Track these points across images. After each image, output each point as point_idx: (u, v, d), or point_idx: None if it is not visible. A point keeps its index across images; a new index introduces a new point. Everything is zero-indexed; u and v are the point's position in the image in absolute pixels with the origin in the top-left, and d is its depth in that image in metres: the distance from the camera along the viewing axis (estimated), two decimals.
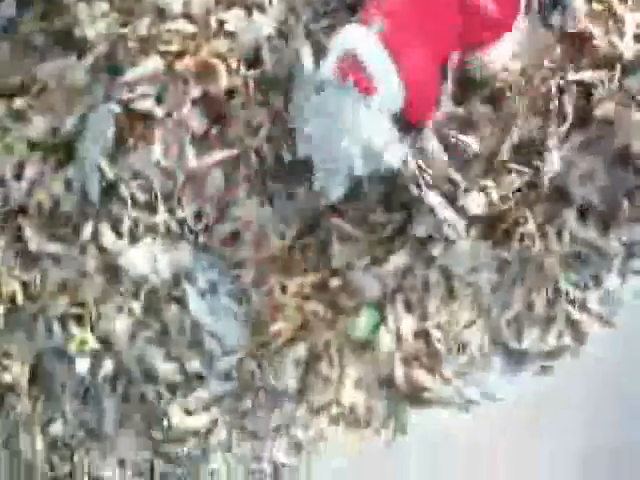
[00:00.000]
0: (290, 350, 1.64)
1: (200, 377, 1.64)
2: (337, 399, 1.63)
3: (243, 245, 1.66)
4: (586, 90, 1.69)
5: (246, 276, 1.65)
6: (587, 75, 1.69)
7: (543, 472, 1.62)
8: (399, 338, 1.67)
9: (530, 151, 1.66)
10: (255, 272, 1.64)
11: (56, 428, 1.64)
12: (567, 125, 1.66)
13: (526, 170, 1.63)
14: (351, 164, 1.55)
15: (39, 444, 1.62)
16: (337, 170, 1.57)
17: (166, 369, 1.63)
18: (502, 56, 1.68)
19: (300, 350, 1.64)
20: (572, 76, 1.67)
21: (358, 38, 1.54)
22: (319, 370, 1.63)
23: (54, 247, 1.67)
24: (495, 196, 1.62)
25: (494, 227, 1.65)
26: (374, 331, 1.67)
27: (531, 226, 1.63)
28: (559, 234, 1.65)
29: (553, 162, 1.64)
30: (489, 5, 1.58)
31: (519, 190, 1.64)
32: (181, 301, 1.65)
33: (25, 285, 1.66)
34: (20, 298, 1.65)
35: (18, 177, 1.66)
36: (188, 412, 1.62)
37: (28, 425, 1.63)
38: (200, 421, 1.62)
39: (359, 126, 1.53)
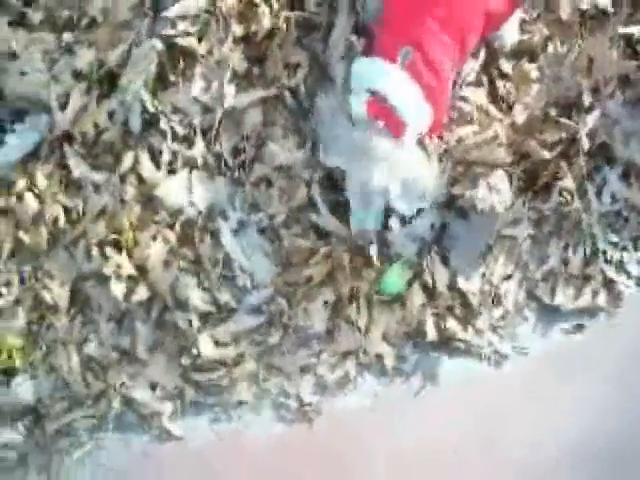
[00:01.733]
0: (319, 292, 1.68)
1: (230, 309, 1.69)
2: (364, 347, 1.68)
3: (275, 188, 1.70)
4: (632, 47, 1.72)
5: (278, 217, 1.69)
6: (637, 29, 1.72)
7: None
8: (433, 292, 1.70)
9: (573, 107, 1.70)
10: (286, 214, 1.69)
11: (91, 348, 1.67)
12: (613, 83, 1.69)
13: (568, 123, 1.66)
14: (389, 202, 1.58)
15: (75, 362, 1.66)
16: (374, 207, 1.60)
17: (198, 298, 1.67)
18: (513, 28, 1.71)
19: (329, 293, 1.68)
20: (621, 29, 1.71)
21: (387, 78, 1.53)
22: (347, 315, 1.68)
23: (96, 175, 1.69)
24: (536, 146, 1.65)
25: (534, 179, 1.69)
26: (405, 288, 1.69)
27: (569, 181, 1.66)
28: (599, 192, 1.68)
29: (591, 118, 1.69)
30: (503, 6, 1.61)
31: (560, 143, 1.66)
32: (214, 235, 1.68)
33: (67, 210, 1.68)
34: (62, 222, 1.67)
35: (64, 106, 1.66)
36: (217, 342, 1.67)
37: (65, 343, 1.67)
38: (228, 352, 1.66)
39: (395, 163, 1.55)
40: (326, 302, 1.67)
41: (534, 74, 1.71)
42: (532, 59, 1.75)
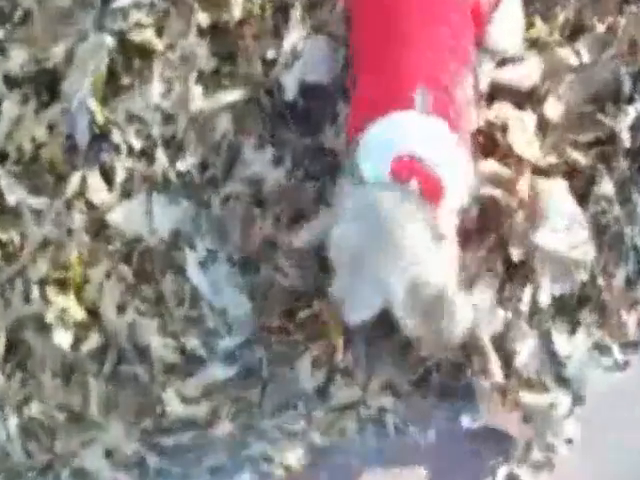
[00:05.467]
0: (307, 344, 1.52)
1: (200, 358, 1.54)
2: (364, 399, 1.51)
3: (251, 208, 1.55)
4: None
5: (252, 245, 1.54)
6: None
7: None
8: None
9: (609, 100, 1.56)
10: (262, 242, 1.54)
11: (33, 409, 1.52)
12: None
13: (604, 120, 1.53)
14: (387, 296, 1.25)
15: (13, 427, 1.51)
16: (365, 295, 1.28)
17: (161, 346, 1.52)
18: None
19: (319, 346, 1.51)
20: None
21: (410, 130, 1.28)
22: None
23: (35, 200, 1.57)
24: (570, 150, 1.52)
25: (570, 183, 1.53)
26: None
27: (608, 186, 1.51)
28: None
29: (633, 109, 1.54)
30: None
31: (596, 144, 1.53)
32: (179, 267, 1.55)
33: (2, 244, 1.57)
34: None
35: None
36: (185, 399, 1.51)
37: (2, 404, 1.53)
38: (199, 410, 1.51)
39: (412, 248, 1.23)
40: (316, 358, 1.50)
41: (572, 60, 1.55)
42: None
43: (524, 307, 1.46)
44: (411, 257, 1.22)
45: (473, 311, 1.29)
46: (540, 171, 1.52)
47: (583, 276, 1.46)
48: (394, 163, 1.26)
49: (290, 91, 1.55)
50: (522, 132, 1.51)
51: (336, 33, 1.55)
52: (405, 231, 1.23)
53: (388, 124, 1.28)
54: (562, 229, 1.45)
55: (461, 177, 1.30)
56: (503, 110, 1.52)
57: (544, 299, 1.45)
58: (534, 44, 1.55)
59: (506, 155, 1.50)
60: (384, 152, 1.27)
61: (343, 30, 1.52)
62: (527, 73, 1.53)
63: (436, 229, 1.23)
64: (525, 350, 1.47)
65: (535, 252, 1.45)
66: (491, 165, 1.47)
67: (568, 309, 1.49)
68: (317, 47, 1.55)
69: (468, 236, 1.41)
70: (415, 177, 1.25)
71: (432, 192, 1.26)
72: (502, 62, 1.53)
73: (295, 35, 1.54)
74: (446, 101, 1.30)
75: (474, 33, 1.38)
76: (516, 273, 1.47)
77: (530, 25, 1.56)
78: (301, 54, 1.55)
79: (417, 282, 1.20)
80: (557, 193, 1.47)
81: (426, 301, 1.21)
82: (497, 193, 1.46)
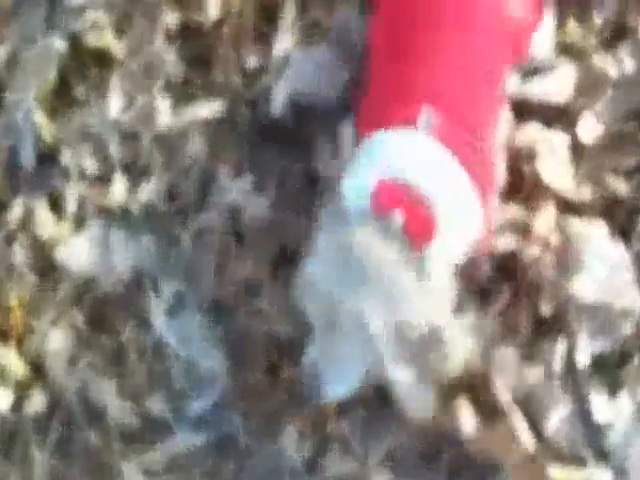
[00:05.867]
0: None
1: (165, 424, 1.43)
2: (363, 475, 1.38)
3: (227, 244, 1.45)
4: None
5: (228, 288, 1.43)
6: None
7: None
8: None
9: None
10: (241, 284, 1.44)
11: None
12: None
13: None
14: (365, 366, 1.14)
15: None
16: (343, 365, 1.16)
17: (118, 409, 1.41)
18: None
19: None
20: None
21: (399, 150, 1.16)
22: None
23: None
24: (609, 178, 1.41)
25: (606, 219, 1.41)
26: None
27: None
28: None
29: None
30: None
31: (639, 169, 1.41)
32: (141, 315, 1.45)
33: None
34: None
35: None
36: (148, 472, 1.40)
37: None
38: None
39: (392, 292, 1.09)
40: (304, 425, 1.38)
41: (611, 70, 1.43)
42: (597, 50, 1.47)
43: (557, 366, 1.32)
44: (392, 302, 1.10)
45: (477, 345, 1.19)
46: (573, 206, 1.41)
47: (629, 329, 1.33)
48: (378, 189, 1.13)
49: (278, 106, 1.45)
50: (552, 158, 1.40)
51: (340, 38, 1.45)
52: (382, 272, 1.09)
53: (376, 142, 1.17)
54: (602, 276, 1.33)
55: (463, 216, 1.17)
56: (529, 132, 1.41)
57: (582, 358, 1.31)
58: (566, 50, 1.46)
59: (533, 189, 1.39)
60: (367, 175, 1.15)
61: (348, 36, 1.43)
62: (558, 86, 1.42)
63: (421, 269, 1.10)
64: (557, 415, 1.33)
65: (569, 304, 1.32)
66: (512, 210, 1.36)
67: (608, 366, 1.36)
68: (313, 55, 1.45)
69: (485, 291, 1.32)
70: (400, 207, 1.11)
71: (421, 227, 1.12)
72: (527, 73, 1.42)
73: (287, 39, 1.46)
74: (458, 131, 1.17)
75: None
76: (548, 329, 1.34)
77: (562, 27, 1.46)
78: (292, 63, 1.46)
79: (403, 326, 1.09)
80: (596, 235, 1.35)
81: (415, 344, 1.10)
82: (516, 243, 1.35)
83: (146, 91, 1.48)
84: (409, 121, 1.15)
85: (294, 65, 1.44)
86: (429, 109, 1.15)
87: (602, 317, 1.30)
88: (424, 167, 1.14)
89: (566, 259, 1.32)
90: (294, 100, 1.43)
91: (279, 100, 1.41)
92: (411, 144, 1.15)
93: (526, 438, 1.29)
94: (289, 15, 1.46)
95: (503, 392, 1.28)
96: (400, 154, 1.15)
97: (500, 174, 1.28)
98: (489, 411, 1.31)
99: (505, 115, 1.32)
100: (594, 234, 1.33)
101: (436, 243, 1.12)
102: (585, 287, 1.31)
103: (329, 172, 1.37)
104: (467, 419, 1.31)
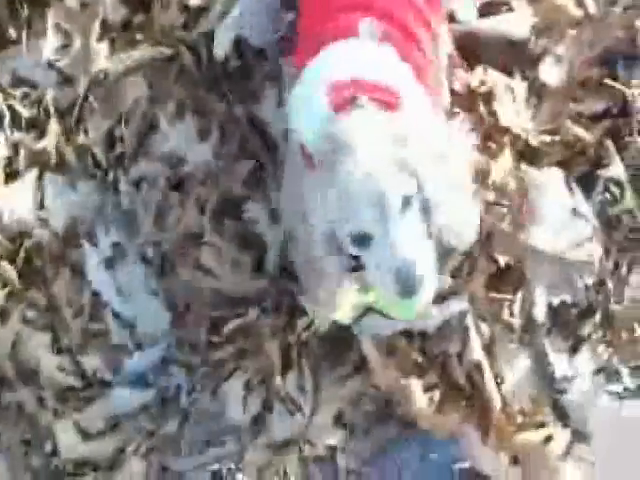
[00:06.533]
0: (236, 363, 1.35)
1: (103, 382, 1.41)
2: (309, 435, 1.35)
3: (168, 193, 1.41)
4: None
5: (170, 239, 1.38)
6: None
7: None
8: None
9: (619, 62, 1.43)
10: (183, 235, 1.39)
11: None
12: None
13: (615, 85, 1.38)
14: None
15: None
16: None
17: (53, 365, 1.39)
18: None
19: (252, 363, 1.35)
20: None
21: (351, 57, 1.16)
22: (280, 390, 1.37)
23: None
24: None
25: (568, 168, 1.37)
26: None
27: (619, 168, 1.36)
28: None
29: None
30: None
31: (605, 115, 1.39)
32: (77, 268, 1.41)
33: None
34: None
35: None
36: (84, 433, 1.38)
37: None
38: (101, 447, 1.38)
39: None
40: (247, 381, 1.34)
41: (574, 12, 1.39)
42: None
43: (515, 320, 1.29)
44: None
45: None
46: (531, 152, 1.37)
47: (588, 281, 1.29)
48: (334, 91, 1.13)
49: (221, 48, 1.38)
50: (510, 101, 1.36)
51: None
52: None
53: (326, 55, 1.16)
54: (560, 226, 1.30)
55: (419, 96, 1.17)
56: (487, 74, 1.37)
57: (539, 310, 1.27)
58: None
59: (491, 130, 1.35)
60: (319, 86, 1.14)
61: None
62: (516, 24, 1.37)
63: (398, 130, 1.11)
64: (515, 373, 1.30)
65: (526, 255, 1.28)
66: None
67: (568, 323, 1.32)
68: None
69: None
70: (365, 94, 1.12)
71: (388, 101, 1.13)
72: (483, 12, 1.38)
73: None
74: (400, 37, 1.17)
75: None
76: (505, 279, 1.30)
77: None
78: (236, 3, 1.40)
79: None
80: (553, 184, 1.31)
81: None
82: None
83: (83, 32, 1.44)
84: (352, 31, 1.14)
85: (241, 4, 1.37)
86: (370, 19, 1.15)
87: (560, 268, 1.26)
88: (374, 65, 1.15)
89: (522, 208, 1.28)
90: (240, 41, 1.37)
91: (224, 42, 1.35)
92: (357, 50, 1.15)
93: (495, 396, 1.26)
94: None
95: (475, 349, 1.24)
96: (351, 57, 1.15)
97: (445, 94, 1.28)
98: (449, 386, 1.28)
99: (445, 30, 1.29)
100: (551, 182, 1.29)
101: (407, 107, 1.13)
102: (542, 238, 1.27)
103: (274, 120, 1.33)
104: (419, 397, 1.28)
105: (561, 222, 1.29)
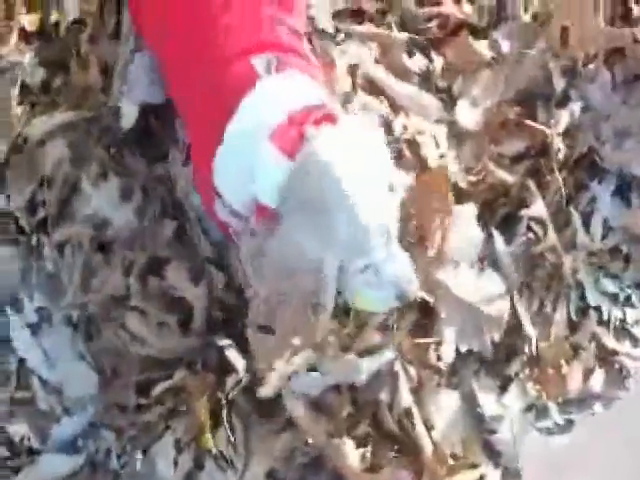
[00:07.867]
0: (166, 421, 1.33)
1: (31, 449, 1.37)
2: None
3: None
4: None
5: (96, 302, 1.35)
6: None
7: None
8: None
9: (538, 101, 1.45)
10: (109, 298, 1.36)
11: None
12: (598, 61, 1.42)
13: (535, 125, 1.41)
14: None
15: None
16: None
17: None
18: None
19: (182, 421, 1.32)
20: None
21: (272, 98, 1.15)
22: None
23: None
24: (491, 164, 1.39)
25: (490, 210, 1.41)
26: None
27: (540, 208, 1.38)
28: (586, 220, 1.42)
29: (567, 112, 1.41)
30: None
31: (525, 155, 1.41)
32: (1, 335, 1.38)
33: None
34: None
35: None
36: None
37: None
38: None
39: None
40: (178, 440, 1.31)
41: (487, 54, 1.41)
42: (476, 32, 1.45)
43: (441, 363, 1.27)
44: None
45: None
46: (459, 193, 1.36)
47: (495, 336, 1.28)
48: (275, 138, 1.11)
49: (127, 120, 1.37)
50: (434, 145, 1.37)
51: None
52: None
53: (244, 110, 1.14)
54: (472, 271, 1.29)
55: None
56: (408, 119, 1.37)
57: (448, 354, 1.26)
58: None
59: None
60: (258, 141, 1.11)
61: None
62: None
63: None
64: (445, 416, 1.28)
65: (440, 293, 1.27)
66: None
67: (495, 362, 1.31)
68: (144, 64, 1.37)
69: None
70: (307, 123, 1.11)
71: (329, 115, 1.13)
72: None
73: (130, 46, 1.37)
74: (292, 57, 1.19)
75: None
76: (429, 323, 1.28)
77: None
78: (130, 71, 1.39)
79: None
80: (464, 221, 1.30)
81: None
82: None
83: (1, 96, 1.40)
84: (250, 75, 1.13)
85: (132, 74, 1.37)
86: (258, 55, 1.14)
87: (471, 318, 1.26)
88: (293, 91, 1.14)
89: (442, 248, 1.26)
90: (142, 106, 1.35)
91: (129, 114, 1.34)
92: (270, 86, 1.13)
93: (426, 441, 1.24)
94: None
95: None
96: (271, 97, 1.13)
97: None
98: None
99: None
100: (464, 219, 1.28)
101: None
102: (455, 280, 1.27)
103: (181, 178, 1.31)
104: (351, 454, 1.25)
105: (476, 273, 1.29)
